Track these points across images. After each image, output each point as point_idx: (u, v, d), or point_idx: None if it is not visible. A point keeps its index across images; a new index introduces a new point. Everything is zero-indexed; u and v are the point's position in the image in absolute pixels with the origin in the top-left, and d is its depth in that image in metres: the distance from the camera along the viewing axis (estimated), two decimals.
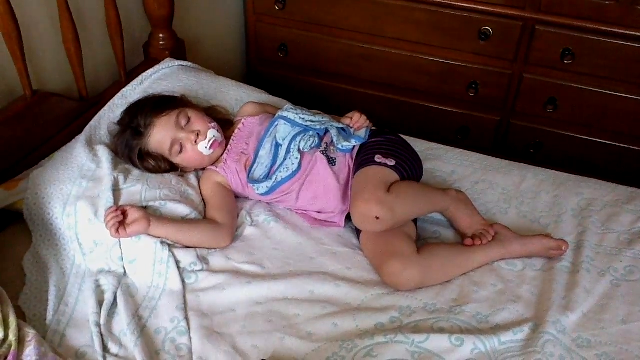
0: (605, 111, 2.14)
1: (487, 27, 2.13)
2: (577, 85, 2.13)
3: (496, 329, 1.30)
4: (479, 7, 2.11)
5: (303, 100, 2.26)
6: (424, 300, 1.36)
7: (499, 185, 1.67)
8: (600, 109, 2.14)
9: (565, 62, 2.09)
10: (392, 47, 2.30)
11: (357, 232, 1.50)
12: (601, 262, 1.45)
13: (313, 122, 1.55)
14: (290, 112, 1.56)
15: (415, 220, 1.51)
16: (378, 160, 1.45)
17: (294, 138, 1.51)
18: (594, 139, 2.22)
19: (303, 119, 1.55)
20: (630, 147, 2.18)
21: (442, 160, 1.76)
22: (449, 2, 2.14)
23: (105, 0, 1.71)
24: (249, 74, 2.60)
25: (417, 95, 2.37)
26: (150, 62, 1.92)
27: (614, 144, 2.20)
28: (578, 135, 2.23)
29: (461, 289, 1.40)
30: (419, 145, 1.78)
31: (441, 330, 1.29)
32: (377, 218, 1.35)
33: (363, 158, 1.49)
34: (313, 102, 2.24)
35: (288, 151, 1.51)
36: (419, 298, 1.36)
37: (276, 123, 1.56)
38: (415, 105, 2.40)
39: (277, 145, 1.53)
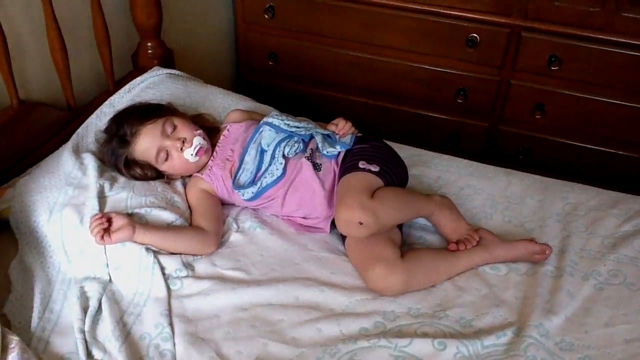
0: (592, 116, 2.16)
1: (474, 35, 2.14)
2: (565, 91, 2.15)
3: (479, 333, 1.30)
4: (466, 14, 2.13)
5: (293, 107, 2.27)
6: (408, 305, 1.36)
7: (484, 191, 1.68)
8: (587, 115, 2.16)
9: (552, 68, 2.10)
10: (380, 55, 2.31)
11: (343, 237, 1.50)
12: (585, 266, 1.46)
13: (298, 128, 1.56)
14: (275, 119, 1.57)
15: (400, 226, 1.52)
16: (362, 166, 1.46)
17: (278, 144, 1.52)
18: (582, 144, 2.23)
19: (288, 125, 1.56)
20: (618, 152, 2.20)
21: (428, 166, 1.76)
22: (436, 10, 2.16)
23: (92, 10, 1.73)
24: (239, 82, 2.62)
25: (406, 102, 2.39)
26: (138, 71, 1.93)
27: (602, 149, 2.21)
28: (566, 141, 2.25)
29: (445, 293, 1.40)
30: (405, 151, 1.78)
31: (424, 335, 1.29)
32: (361, 224, 1.35)
33: (347, 164, 1.50)
34: (303, 110, 2.25)
35: (273, 157, 1.52)
36: (403, 303, 1.37)
37: (261, 129, 1.57)
38: (404, 112, 2.41)
39: (262, 151, 1.54)
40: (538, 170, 2.13)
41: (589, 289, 1.41)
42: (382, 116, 2.44)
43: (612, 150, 2.20)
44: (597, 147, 2.21)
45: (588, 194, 1.66)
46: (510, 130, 2.30)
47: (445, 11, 2.15)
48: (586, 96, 2.12)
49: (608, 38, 2.01)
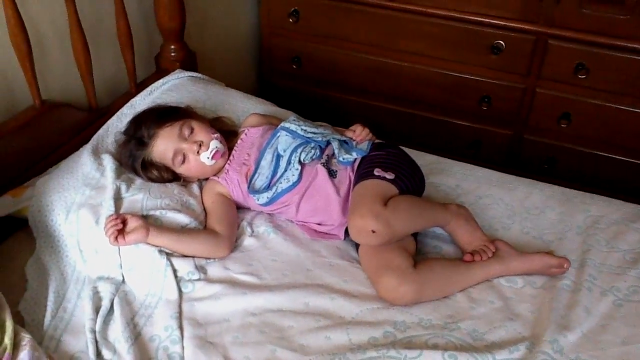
0: (620, 127, 2.11)
1: (499, 41, 2.12)
2: (591, 100, 2.10)
3: (492, 347, 1.28)
4: (491, 20, 2.11)
5: (315, 111, 2.26)
6: (419, 315, 1.34)
7: (503, 201, 1.65)
8: (615, 125, 2.11)
9: (579, 76, 2.06)
10: (404, 60, 2.30)
11: (357, 245, 1.49)
12: (604, 281, 1.42)
13: (315, 134, 1.56)
14: (292, 124, 1.57)
15: (415, 235, 1.50)
16: (377, 174, 1.45)
17: (294, 149, 1.52)
18: (609, 155, 2.18)
19: (305, 130, 1.55)
20: None
21: (446, 174, 1.74)
22: (461, 16, 2.14)
23: (116, 11, 1.75)
24: (263, 85, 2.63)
25: (429, 108, 2.37)
26: (161, 73, 1.95)
27: (629, 160, 2.16)
28: (592, 151, 2.20)
29: (458, 305, 1.38)
30: (425, 159, 1.77)
31: (435, 347, 1.27)
32: (373, 232, 1.34)
33: (362, 171, 1.49)
34: (325, 114, 2.25)
35: (289, 162, 1.51)
36: (414, 313, 1.35)
37: (278, 134, 1.57)
38: (427, 119, 2.39)
39: (278, 156, 1.54)
40: (563, 180, 2.10)
41: (607, 305, 1.37)
42: (405, 122, 2.42)
43: (639, 162, 2.14)
44: (624, 158, 2.16)
45: (610, 207, 1.62)
46: (534, 139, 2.26)
47: (470, 17, 2.12)
48: (613, 106, 2.07)
49: (637, 46, 1.96)
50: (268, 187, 1.52)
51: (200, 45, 2.20)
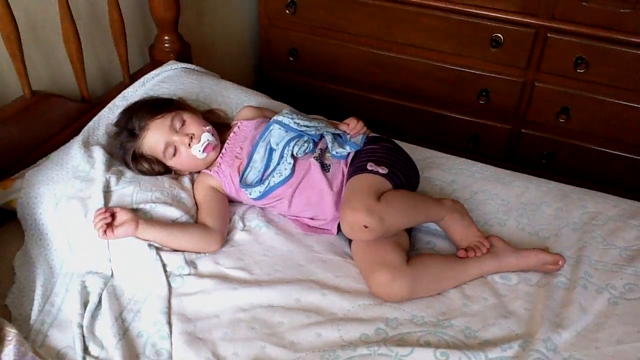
0: (619, 122, 2.08)
1: (498, 34, 2.08)
2: (591, 95, 2.07)
3: (484, 345, 1.26)
4: (490, 13, 2.07)
5: (312, 104, 2.25)
6: (412, 312, 1.33)
7: (498, 196, 1.63)
8: (614, 120, 2.08)
9: (579, 70, 2.03)
10: (402, 53, 2.27)
11: (350, 240, 1.47)
12: (600, 278, 1.40)
13: (308, 127, 1.53)
14: (285, 117, 1.54)
15: (409, 230, 1.48)
16: (370, 168, 1.42)
17: (287, 143, 1.50)
18: (608, 150, 2.16)
19: (298, 124, 1.53)
20: None
21: (442, 169, 1.72)
22: (460, 9, 2.10)
23: (108, 2, 1.72)
24: (260, 78, 2.60)
25: (427, 102, 2.34)
26: (155, 64, 1.93)
27: (629, 155, 2.13)
28: (592, 146, 2.17)
29: (452, 301, 1.36)
30: (421, 153, 1.75)
31: (427, 344, 1.25)
32: (366, 227, 1.32)
33: (356, 165, 1.47)
34: (322, 107, 2.23)
35: (281, 156, 1.49)
36: (407, 310, 1.33)
37: (271, 127, 1.54)
38: (425, 112, 2.36)
39: (271, 150, 1.51)
40: (561, 175, 2.08)
41: (603, 303, 1.35)
42: (403, 116, 2.40)
43: (638, 158, 2.12)
44: (623, 154, 2.13)
45: (608, 203, 1.60)
46: (533, 133, 2.24)
47: (469, 10, 2.09)
48: (613, 100, 2.04)
49: (638, 41, 1.93)
50: (260, 181, 1.50)
51: (197, 37, 2.18)
